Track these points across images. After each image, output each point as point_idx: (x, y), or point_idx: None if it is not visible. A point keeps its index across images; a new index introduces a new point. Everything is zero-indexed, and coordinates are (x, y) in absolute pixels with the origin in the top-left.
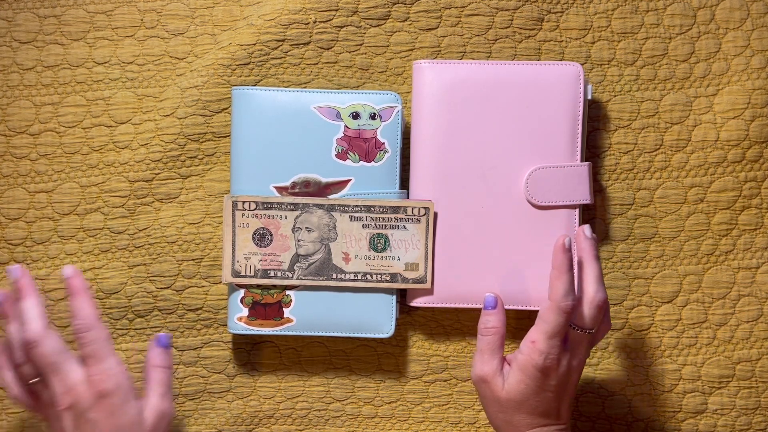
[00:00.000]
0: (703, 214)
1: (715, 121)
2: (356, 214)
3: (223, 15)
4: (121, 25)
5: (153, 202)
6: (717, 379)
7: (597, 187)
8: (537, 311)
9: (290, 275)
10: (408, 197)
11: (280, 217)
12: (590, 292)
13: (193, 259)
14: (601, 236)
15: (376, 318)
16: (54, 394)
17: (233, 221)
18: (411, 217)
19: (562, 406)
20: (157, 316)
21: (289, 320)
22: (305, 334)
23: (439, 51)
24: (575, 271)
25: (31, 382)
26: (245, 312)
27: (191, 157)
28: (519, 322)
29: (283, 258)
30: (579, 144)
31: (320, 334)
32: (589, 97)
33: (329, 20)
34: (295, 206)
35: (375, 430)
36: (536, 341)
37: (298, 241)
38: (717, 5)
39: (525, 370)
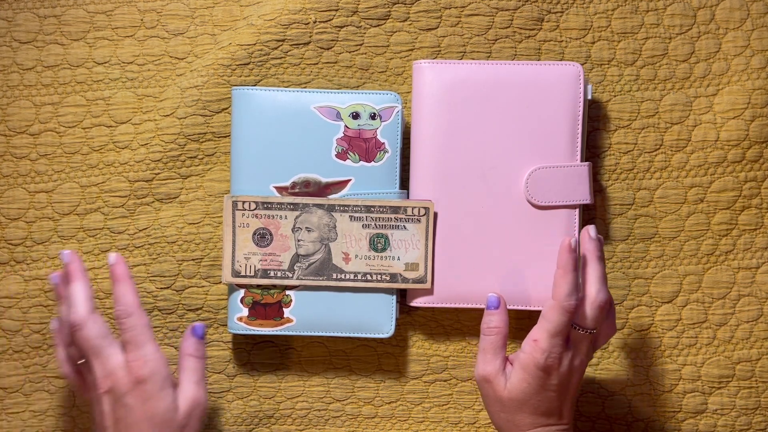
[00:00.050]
0: (703, 214)
1: (715, 121)
2: (356, 214)
3: (223, 15)
4: (121, 25)
5: (153, 202)
6: (717, 379)
7: (597, 187)
8: (537, 311)
9: (290, 275)
10: (408, 197)
11: (280, 217)
12: (592, 292)
13: (193, 259)
14: (601, 236)
15: (376, 318)
16: (95, 377)
17: (233, 221)
18: (411, 217)
19: (564, 405)
20: (157, 316)
21: (289, 320)
22: (305, 334)
23: (439, 51)
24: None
25: (79, 362)
26: (245, 312)
27: (191, 157)
28: (519, 322)
29: (283, 258)
30: (579, 144)
31: (320, 334)
32: (589, 97)
33: (329, 20)
34: (295, 206)
35: (375, 430)
36: (538, 340)
37: (298, 241)
38: (717, 5)
39: (527, 368)
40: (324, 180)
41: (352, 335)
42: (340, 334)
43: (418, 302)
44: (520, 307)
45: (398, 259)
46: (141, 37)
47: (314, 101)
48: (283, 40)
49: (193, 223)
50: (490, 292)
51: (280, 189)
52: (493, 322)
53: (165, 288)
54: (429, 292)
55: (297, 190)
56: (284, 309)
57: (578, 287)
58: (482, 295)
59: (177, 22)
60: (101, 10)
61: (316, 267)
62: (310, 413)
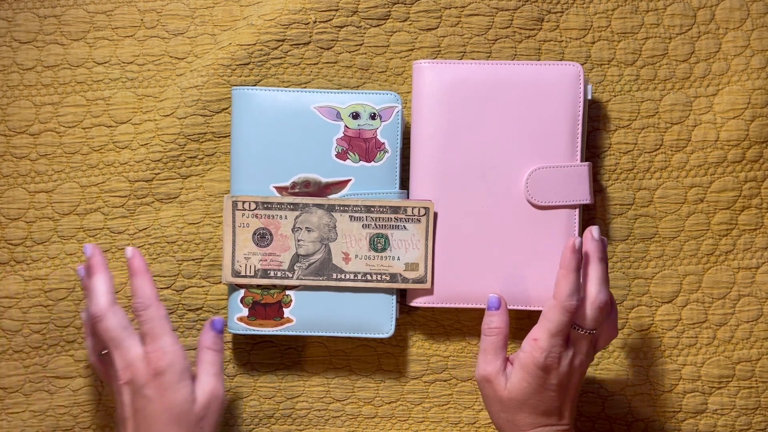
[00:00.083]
0: (703, 214)
1: (715, 121)
2: (356, 214)
3: (223, 15)
4: (121, 25)
5: (153, 202)
6: (717, 379)
7: (597, 187)
8: (537, 311)
9: (290, 275)
10: (408, 197)
11: (280, 217)
12: (592, 292)
13: (193, 259)
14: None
15: (376, 318)
16: (116, 368)
17: (233, 221)
18: (411, 217)
19: (564, 405)
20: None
21: (289, 320)
22: (305, 334)
23: (439, 51)
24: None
25: (103, 353)
26: (245, 312)
27: (191, 157)
28: (519, 322)
29: (283, 258)
30: (579, 144)
31: (320, 334)
32: (589, 97)
33: (329, 20)
34: (295, 206)
35: (375, 430)
36: (538, 339)
37: (298, 241)
38: (717, 5)
39: (526, 367)
40: (324, 180)
41: (352, 335)
42: (340, 334)
43: (418, 302)
44: (520, 307)
45: (398, 259)
46: (141, 37)
47: (314, 101)
48: (283, 40)
49: (193, 223)
50: (491, 293)
51: (280, 189)
52: (494, 323)
53: (165, 288)
54: (429, 292)
55: (297, 190)
56: (284, 309)
57: (580, 288)
58: (482, 295)
59: (177, 22)
60: (101, 10)
61: (316, 267)
62: (310, 413)
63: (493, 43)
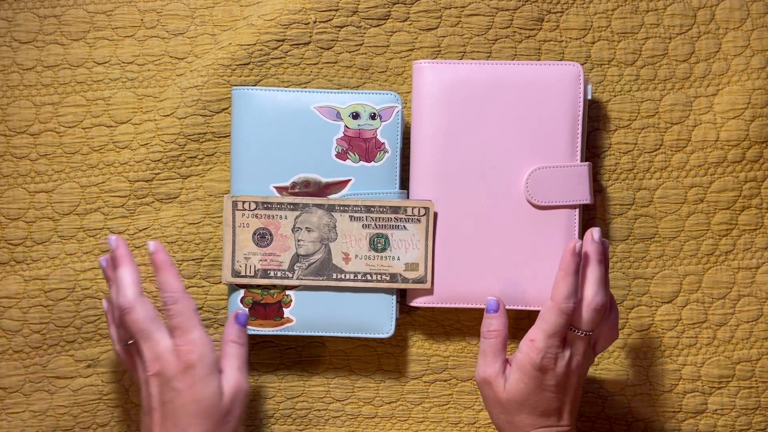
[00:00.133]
0: (703, 214)
1: (715, 121)
2: (356, 214)
3: (223, 15)
4: (121, 25)
5: (153, 202)
6: (717, 379)
7: (597, 187)
8: (537, 311)
9: (290, 275)
10: (408, 197)
11: (280, 217)
12: (589, 295)
13: (193, 259)
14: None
15: (376, 318)
16: (144, 360)
17: (233, 221)
18: (411, 217)
19: (563, 406)
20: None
21: (289, 320)
22: (305, 334)
23: (439, 51)
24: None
25: (128, 343)
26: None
27: (191, 157)
28: (519, 322)
29: (283, 258)
30: (579, 144)
31: (320, 334)
32: (589, 97)
33: (329, 20)
34: (295, 206)
35: (375, 430)
36: (535, 340)
37: (298, 241)
38: (717, 5)
39: (523, 368)
40: (324, 180)
41: (352, 335)
42: (340, 334)
43: (418, 302)
44: (519, 307)
45: (398, 259)
46: (141, 37)
47: (314, 101)
48: (283, 40)
49: (193, 223)
50: (490, 296)
51: (280, 189)
52: (493, 326)
53: None
54: (429, 292)
55: (297, 190)
56: (284, 309)
57: (577, 290)
58: (482, 295)
59: (177, 22)
60: (101, 10)
61: (316, 267)
62: (310, 413)
63: (493, 43)
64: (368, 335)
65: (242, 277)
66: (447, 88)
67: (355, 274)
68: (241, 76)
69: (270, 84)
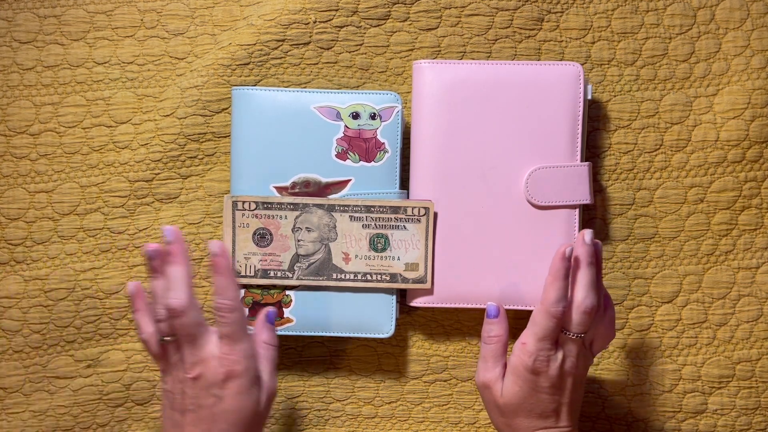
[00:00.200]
0: (703, 214)
1: (715, 121)
2: (356, 214)
3: (223, 15)
4: (121, 25)
5: (153, 202)
6: (717, 379)
7: (597, 187)
8: None
9: (290, 275)
10: (408, 197)
11: (280, 217)
12: (579, 297)
13: (193, 259)
14: (601, 236)
15: (376, 318)
16: (184, 361)
17: (233, 221)
18: (411, 217)
19: (560, 408)
20: None
21: (289, 320)
22: (305, 334)
23: (439, 51)
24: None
25: (166, 339)
26: (245, 312)
27: (191, 157)
28: (519, 322)
29: (283, 258)
30: (579, 144)
31: (320, 334)
32: (589, 97)
33: (329, 20)
34: (295, 206)
35: (375, 430)
36: (526, 343)
37: (298, 241)
38: (717, 5)
39: (516, 371)
40: (324, 180)
41: (352, 335)
42: (340, 334)
43: (418, 302)
44: (519, 307)
45: (398, 259)
46: (141, 37)
47: (314, 101)
48: (283, 40)
49: (193, 223)
50: (490, 301)
51: (280, 189)
52: (494, 331)
53: None
54: (429, 292)
55: (297, 190)
56: (284, 309)
57: (567, 294)
58: (482, 295)
59: (177, 22)
60: (101, 10)
61: (316, 267)
62: (310, 413)
63: (493, 43)
64: (368, 335)
65: (242, 277)
66: (447, 88)
67: (355, 274)
68: (241, 76)
69: (270, 84)
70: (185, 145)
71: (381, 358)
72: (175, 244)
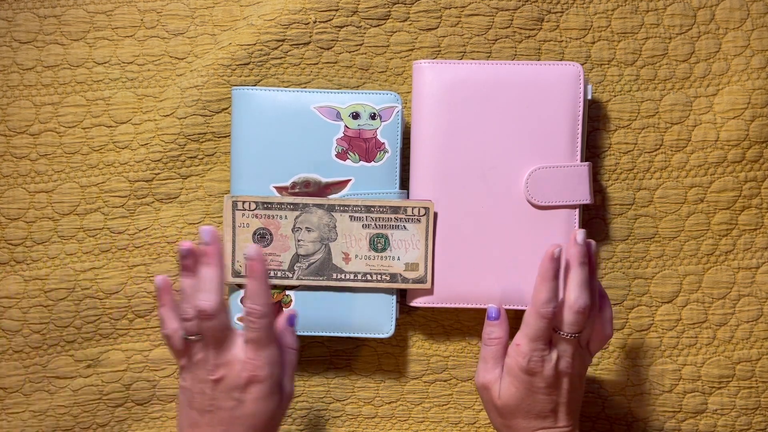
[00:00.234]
0: (703, 214)
1: (715, 121)
2: (356, 214)
3: (223, 15)
4: (121, 25)
5: (153, 202)
6: (717, 379)
7: (597, 187)
8: None
9: (290, 275)
10: (408, 197)
11: (280, 217)
12: (571, 297)
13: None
14: (601, 236)
15: (376, 318)
16: (207, 362)
17: (233, 221)
18: (411, 217)
19: (558, 408)
20: (157, 317)
21: None
22: (305, 334)
23: (439, 51)
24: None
25: (191, 338)
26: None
27: (191, 157)
28: (518, 322)
29: (283, 258)
30: (579, 144)
31: (320, 334)
32: (589, 97)
33: (329, 20)
34: (295, 206)
35: (375, 430)
36: (520, 344)
37: (298, 241)
38: (717, 5)
39: (511, 372)
40: (324, 180)
41: (352, 335)
42: (340, 334)
43: (418, 302)
44: (519, 307)
45: (398, 259)
46: (141, 37)
47: (314, 101)
48: (283, 40)
49: (193, 223)
50: (491, 303)
51: (280, 189)
52: (494, 333)
53: None
54: (429, 292)
55: (297, 190)
56: (284, 309)
57: (558, 294)
58: (482, 295)
59: (177, 22)
60: (101, 10)
61: (316, 267)
62: (310, 413)
63: (493, 43)
64: (368, 335)
65: (242, 277)
66: (447, 88)
67: (355, 274)
68: (241, 76)
69: (270, 84)
70: (185, 145)
71: (381, 358)
72: (212, 245)
